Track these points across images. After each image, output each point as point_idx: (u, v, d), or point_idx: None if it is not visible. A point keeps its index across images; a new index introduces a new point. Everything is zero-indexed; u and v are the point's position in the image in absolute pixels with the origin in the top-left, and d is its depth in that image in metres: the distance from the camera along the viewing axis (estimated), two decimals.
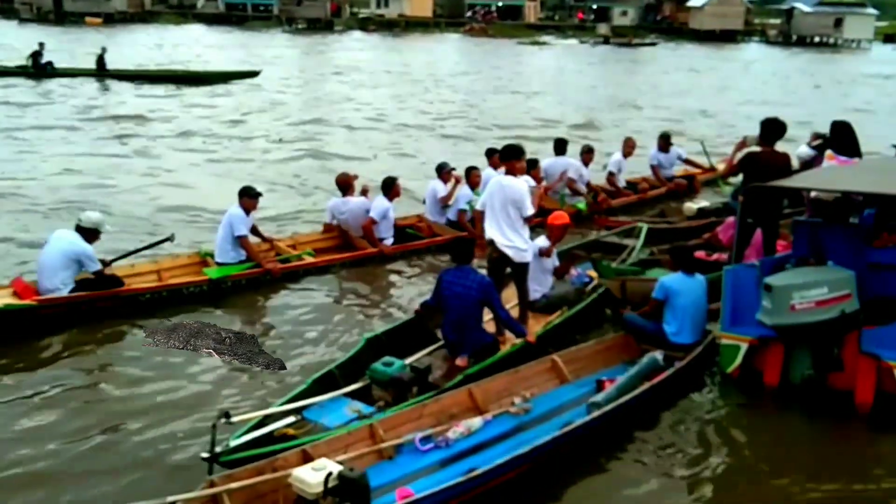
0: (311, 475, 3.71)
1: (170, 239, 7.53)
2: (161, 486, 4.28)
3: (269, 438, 4.51)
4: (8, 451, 4.70)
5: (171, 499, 3.73)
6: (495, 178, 6.27)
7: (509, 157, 6.22)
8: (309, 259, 7.87)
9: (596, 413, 4.86)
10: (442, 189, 8.97)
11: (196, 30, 52.68)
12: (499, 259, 6.12)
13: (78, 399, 5.38)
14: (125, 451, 4.75)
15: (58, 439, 4.85)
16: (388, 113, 19.48)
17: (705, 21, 63.76)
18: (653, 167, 11.16)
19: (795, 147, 8.55)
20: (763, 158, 6.57)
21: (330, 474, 3.69)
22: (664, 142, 11.16)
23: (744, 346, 5.60)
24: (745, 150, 6.98)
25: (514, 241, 6.07)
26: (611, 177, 10.52)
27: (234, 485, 3.80)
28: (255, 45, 41.05)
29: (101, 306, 6.53)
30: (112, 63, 24.28)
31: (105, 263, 6.72)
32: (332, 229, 8.52)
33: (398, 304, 7.31)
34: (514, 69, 34.17)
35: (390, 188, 8.35)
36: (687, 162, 11.34)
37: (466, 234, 8.34)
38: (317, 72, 30.16)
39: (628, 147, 10.68)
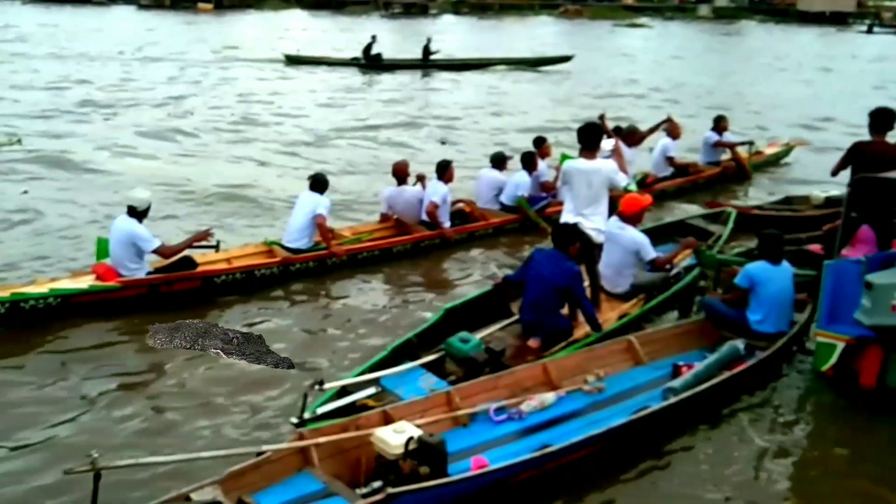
0: (393, 437, 3.92)
1: (215, 248, 7.36)
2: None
3: (350, 408, 4.70)
4: (107, 419, 5.00)
5: (265, 447, 3.96)
6: (580, 164, 6.16)
7: (594, 142, 6.17)
8: (370, 242, 7.95)
9: (672, 399, 4.77)
10: (502, 177, 9.04)
11: (300, 15, 54.33)
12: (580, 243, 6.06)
13: (169, 373, 5.62)
14: (209, 423, 4.97)
15: (149, 410, 5.12)
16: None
17: (815, 3, 60.45)
18: (716, 143, 11.19)
19: None
20: (872, 149, 6.16)
21: (411, 438, 3.89)
22: (720, 124, 11.21)
23: (840, 346, 5.33)
24: (853, 142, 6.61)
25: (597, 222, 6.12)
26: (671, 160, 10.68)
27: (321, 439, 4.03)
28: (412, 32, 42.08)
29: (179, 289, 6.72)
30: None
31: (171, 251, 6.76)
32: (389, 219, 8.44)
33: (462, 286, 7.39)
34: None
35: (444, 171, 8.32)
36: (729, 146, 11.26)
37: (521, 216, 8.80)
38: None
39: (676, 130, 10.74)
